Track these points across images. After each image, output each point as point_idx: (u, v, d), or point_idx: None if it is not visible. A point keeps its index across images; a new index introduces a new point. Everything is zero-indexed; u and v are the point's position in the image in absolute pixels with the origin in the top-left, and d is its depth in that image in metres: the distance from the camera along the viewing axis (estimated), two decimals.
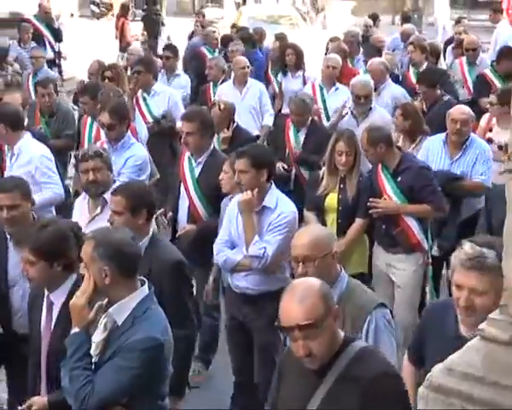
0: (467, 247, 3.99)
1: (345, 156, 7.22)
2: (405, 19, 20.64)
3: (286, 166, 9.13)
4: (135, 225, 5.48)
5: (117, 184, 7.21)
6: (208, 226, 7.37)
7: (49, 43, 16.43)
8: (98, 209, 6.51)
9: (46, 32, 16.55)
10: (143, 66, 10.64)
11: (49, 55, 15.86)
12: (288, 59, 12.48)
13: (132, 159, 7.83)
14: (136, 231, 5.27)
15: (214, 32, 16.24)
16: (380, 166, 7.40)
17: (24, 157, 7.71)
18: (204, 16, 20.59)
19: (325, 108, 10.64)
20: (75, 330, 4.35)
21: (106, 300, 4.42)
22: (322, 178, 7.43)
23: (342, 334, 3.83)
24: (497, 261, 3.67)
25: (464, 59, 12.79)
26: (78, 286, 4.56)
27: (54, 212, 7.69)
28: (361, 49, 14.47)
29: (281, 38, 14.94)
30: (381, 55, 12.42)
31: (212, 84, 11.84)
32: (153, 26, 20.03)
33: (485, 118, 9.47)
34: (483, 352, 2.93)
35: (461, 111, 8.13)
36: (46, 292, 4.98)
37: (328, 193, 7.39)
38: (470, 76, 12.37)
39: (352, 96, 9.77)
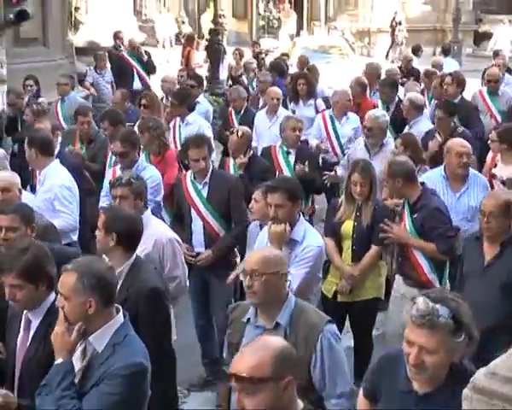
0: (419, 302, 3.58)
1: (359, 187, 6.95)
2: (445, 51, 20.33)
3: None
4: (106, 245, 5.36)
5: None
6: (223, 248, 7.28)
7: (139, 74, 16.37)
8: None
9: (136, 65, 16.57)
10: (177, 99, 10.61)
11: (137, 85, 15.77)
12: (300, 88, 12.18)
13: (149, 181, 7.40)
14: (108, 253, 5.34)
15: (251, 63, 16.26)
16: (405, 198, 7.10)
17: (47, 184, 7.48)
18: (259, 45, 20.58)
19: (337, 137, 10.47)
20: (59, 360, 4.13)
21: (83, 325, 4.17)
22: (341, 205, 7.17)
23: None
24: (449, 319, 3.50)
25: (485, 89, 12.33)
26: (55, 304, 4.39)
27: (74, 237, 7.53)
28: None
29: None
30: (396, 88, 11.88)
31: (234, 111, 11.74)
32: (215, 54, 20.07)
33: (490, 154, 9.02)
34: None
35: (462, 144, 7.68)
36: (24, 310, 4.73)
37: (344, 220, 7.10)
38: (494, 106, 11.81)
39: (363, 128, 9.46)
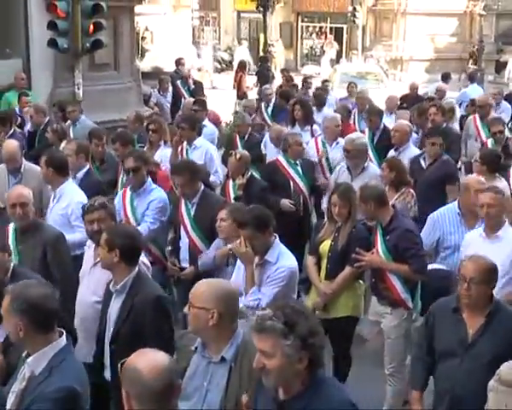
0: (261, 311, 3.47)
1: (338, 208, 6.54)
2: (471, 78, 20.02)
3: (292, 202, 8.68)
4: (110, 261, 5.13)
5: (143, 226, 7.17)
6: (203, 265, 6.92)
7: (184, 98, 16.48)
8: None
9: (185, 93, 16.64)
10: (188, 123, 10.03)
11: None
12: (296, 113, 11.54)
13: (155, 202, 7.38)
14: (112, 268, 5.14)
15: (268, 88, 15.64)
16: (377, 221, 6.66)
17: (64, 201, 7.19)
18: (288, 72, 20.37)
19: (327, 160, 9.87)
20: None
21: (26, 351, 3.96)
22: (325, 224, 6.82)
23: None
24: (278, 322, 3.32)
25: (478, 116, 11.72)
26: None
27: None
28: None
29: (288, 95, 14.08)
30: (382, 116, 11.18)
31: (238, 136, 11.01)
32: (264, 79, 20.11)
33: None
34: None
35: (480, 181, 7.07)
36: None
37: (324, 239, 6.69)
38: (484, 132, 11.16)
39: (343, 151, 9.04)
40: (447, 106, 12.00)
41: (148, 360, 3.16)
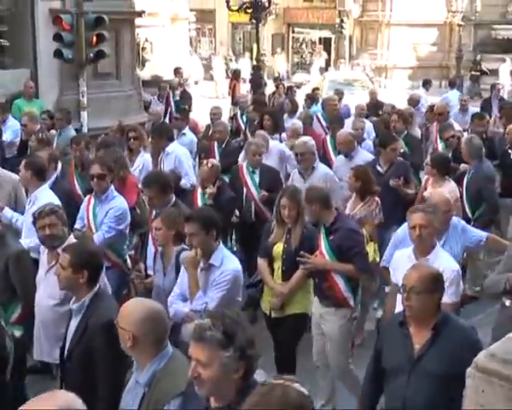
0: (199, 320, 3.23)
1: (287, 210, 6.24)
2: (452, 84, 20.04)
3: (238, 214, 8.49)
4: (75, 282, 4.69)
5: (98, 234, 6.88)
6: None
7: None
8: (53, 261, 5.62)
9: (172, 102, 16.53)
10: (155, 133, 9.92)
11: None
12: (265, 123, 11.19)
13: (113, 210, 7.00)
14: (75, 289, 4.70)
15: (243, 97, 15.44)
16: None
17: (37, 205, 6.69)
18: (281, 80, 20.41)
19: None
20: None
21: None
22: (274, 228, 6.49)
23: None
24: (217, 333, 3.08)
25: (436, 123, 11.62)
26: None
27: None
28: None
29: (259, 104, 13.84)
30: (342, 122, 11.06)
31: (216, 143, 10.58)
32: (257, 86, 20.12)
33: (425, 177, 8.53)
34: None
35: (448, 201, 6.39)
36: None
37: (276, 242, 6.39)
38: (440, 139, 10.80)
39: (295, 155, 8.73)
40: (407, 112, 11.83)
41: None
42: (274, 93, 18.62)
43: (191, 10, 31.12)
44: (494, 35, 34.25)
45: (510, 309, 5.31)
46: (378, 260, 6.94)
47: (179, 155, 9.48)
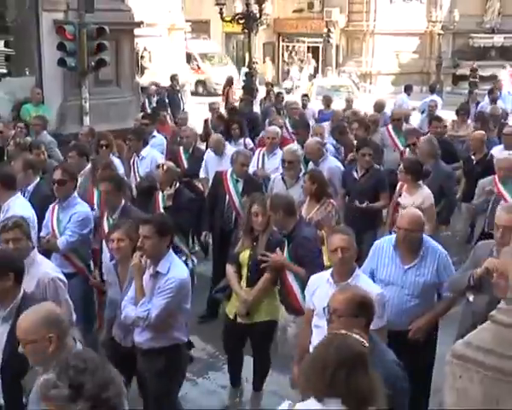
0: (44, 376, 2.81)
1: (260, 217, 6.00)
2: (432, 89, 20.01)
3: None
4: (3, 287, 4.38)
5: (62, 239, 6.56)
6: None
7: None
8: None
9: (147, 107, 16.22)
10: (134, 135, 9.64)
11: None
12: (233, 131, 10.98)
13: (75, 215, 6.67)
14: (4, 294, 4.39)
15: (214, 103, 14.74)
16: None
17: (10, 213, 6.38)
18: (272, 86, 20.34)
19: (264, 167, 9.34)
20: None
21: None
22: (241, 236, 6.25)
23: None
24: (64, 389, 2.66)
25: (391, 127, 11.04)
26: None
27: None
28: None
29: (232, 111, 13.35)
30: (308, 128, 10.55)
31: (182, 148, 10.14)
32: (250, 92, 20.11)
33: (399, 184, 8.10)
34: (493, 331, 2.92)
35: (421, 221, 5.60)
36: None
37: (243, 250, 6.15)
38: (400, 142, 10.55)
39: (282, 162, 8.30)
40: (371, 118, 11.38)
41: None
42: (265, 98, 18.63)
43: (187, 21, 31.08)
44: (471, 43, 34.51)
45: (473, 304, 5.17)
46: None
47: (154, 159, 9.21)
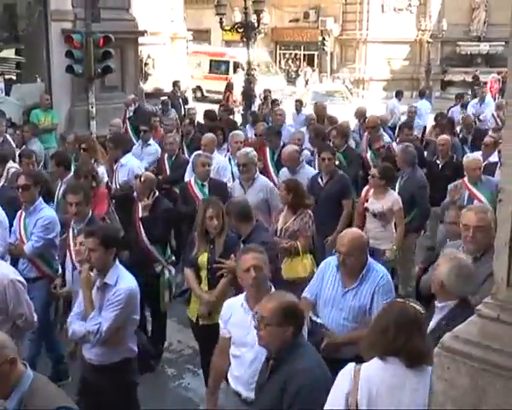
0: None
1: (215, 220, 5.73)
2: (422, 94, 19.91)
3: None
4: None
5: (28, 244, 6.28)
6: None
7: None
8: None
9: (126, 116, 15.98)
10: (113, 143, 9.17)
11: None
12: (217, 137, 10.04)
13: (41, 220, 6.36)
14: None
15: (193, 108, 14.39)
16: None
17: None
18: (270, 92, 20.21)
19: (231, 174, 8.80)
20: None
21: None
22: (196, 240, 5.90)
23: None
24: None
25: (367, 134, 10.73)
26: None
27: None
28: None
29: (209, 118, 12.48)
30: (281, 135, 9.94)
31: (166, 156, 9.70)
32: (248, 96, 20.11)
33: (364, 189, 7.85)
34: (479, 325, 2.92)
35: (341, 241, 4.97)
36: None
37: (200, 253, 5.83)
38: (370, 150, 10.11)
39: (237, 166, 7.93)
40: (344, 126, 10.79)
41: None
42: (263, 103, 18.61)
43: (189, 30, 31.09)
44: (458, 51, 34.62)
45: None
46: (316, 270, 5.87)
47: (133, 168, 8.78)
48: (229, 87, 24.30)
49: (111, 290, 4.82)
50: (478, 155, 8.72)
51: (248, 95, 20.34)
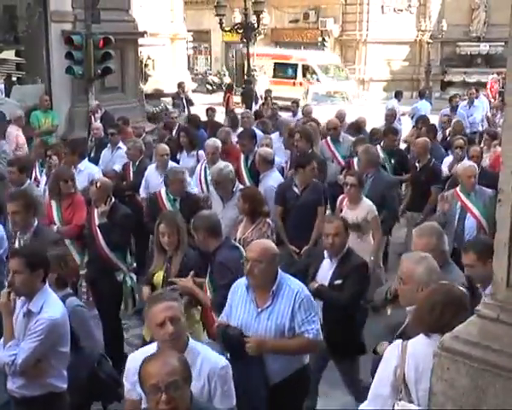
0: None
1: (167, 237, 5.41)
2: (422, 94, 19.91)
3: None
4: None
5: None
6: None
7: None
8: None
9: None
10: (69, 148, 8.89)
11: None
12: (182, 140, 9.92)
13: None
14: None
15: (173, 112, 14.02)
16: None
17: None
18: (271, 92, 20.19)
19: (206, 181, 8.44)
20: None
21: None
22: (154, 256, 5.66)
23: None
24: None
25: (329, 138, 10.20)
26: None
27: None
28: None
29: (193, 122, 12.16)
30: (255, 139, 9.44)
31: (131, 162, 9.25)
32: (249, 98, 20.15)
33: (340, 198, 7.50)
34: (478, 325, 2.92)
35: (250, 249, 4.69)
36: None
37: (157, 271, 5.54)
38: (338, 151, 9.88)
39: (212, 182, 7.67)
40: (310, 129, 9.91)
41: None
42: (263, 104, 18.59)
43: (189, 31, 31.09)
44: (458, 51, 34.57)
45: (392, 318, 4.65)
46: None
47: (92, 172, 8.54)
48: (229, 88, 24.27)
49: (34, 318, 4.29)
50: (472, 162, 8.07)
51: (249, 95, 20.40)
